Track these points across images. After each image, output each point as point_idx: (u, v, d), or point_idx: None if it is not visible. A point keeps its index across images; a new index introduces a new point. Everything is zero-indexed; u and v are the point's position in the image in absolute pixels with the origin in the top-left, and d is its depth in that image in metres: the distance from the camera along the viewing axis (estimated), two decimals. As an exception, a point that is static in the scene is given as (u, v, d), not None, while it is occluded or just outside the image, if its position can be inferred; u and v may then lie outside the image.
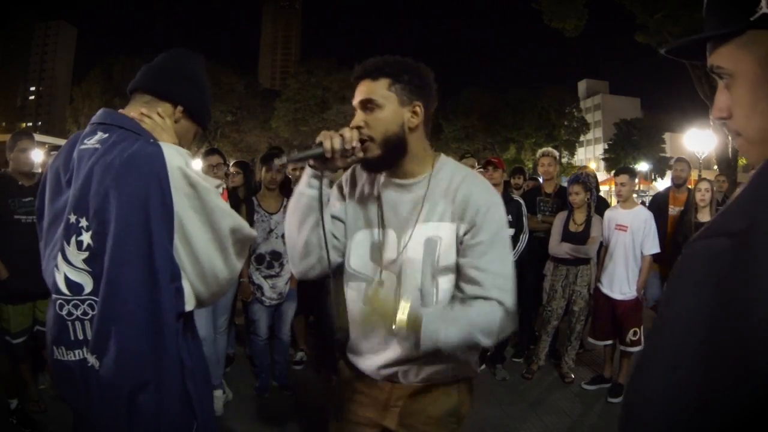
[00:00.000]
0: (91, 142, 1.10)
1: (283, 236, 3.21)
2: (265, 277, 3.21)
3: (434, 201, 1.20)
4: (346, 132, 1.15)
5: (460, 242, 1.19)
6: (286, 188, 3.39)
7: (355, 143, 1.15)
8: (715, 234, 0.47)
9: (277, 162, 3.18)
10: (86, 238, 1.05)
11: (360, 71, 1.20)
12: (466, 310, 1.15)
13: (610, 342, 3.65)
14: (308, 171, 1.20)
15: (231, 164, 4.21)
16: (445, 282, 1.20)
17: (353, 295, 1.29)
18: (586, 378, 3.76)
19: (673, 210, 4.20)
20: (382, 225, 1.25)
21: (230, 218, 1.13)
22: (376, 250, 1.25)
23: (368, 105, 1.17)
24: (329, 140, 1.13)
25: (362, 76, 1.20)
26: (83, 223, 1.05)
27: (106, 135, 1.11)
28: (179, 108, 1.26)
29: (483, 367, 3.90)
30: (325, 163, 1.16)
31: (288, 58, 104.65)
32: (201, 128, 1.36)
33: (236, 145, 37.18)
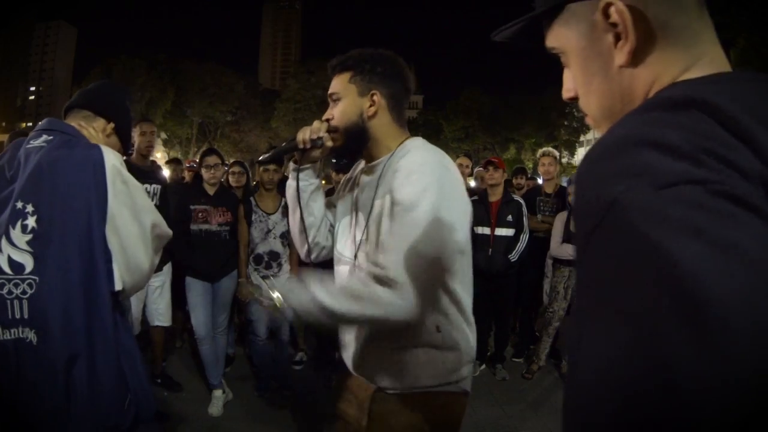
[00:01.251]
0: (37, 143, 1.26)
1: (281, 236, 3.22)
2: (263, 277, 3.19)
3: (385, 177, 1.21)
4: (315, 124, 1.26)
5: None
6: (284, 188, 3.37)
7: (322, 133, 1.25)
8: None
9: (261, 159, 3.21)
10: (31, 221, 1.16)
11: (329, 68, 1.29)
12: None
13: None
14: (291, 165, 1.33)
15: (230, 164, 4.21)
16: None
17: (339, 277, 1.32)
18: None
19: None
20: (356, 208, 1.31)
21: (152, 214, 1.29)
22: (352, 231, 1.31)
23: (333, 98, 1.27)
24: (301, 133, 1.26)
25: (331, 72, 1.29)
26: (29, 208, 1.17)
27: (51, 137, 1.27)
28: (111, 125, 1.46)
29: (483, 367, 3.91)
30: (303, 155, 1.29)
31: (288, 58, 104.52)
32: (123, 149, 1.53)
33: (236, 145, 37.21)
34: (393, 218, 1.09)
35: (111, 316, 1.19)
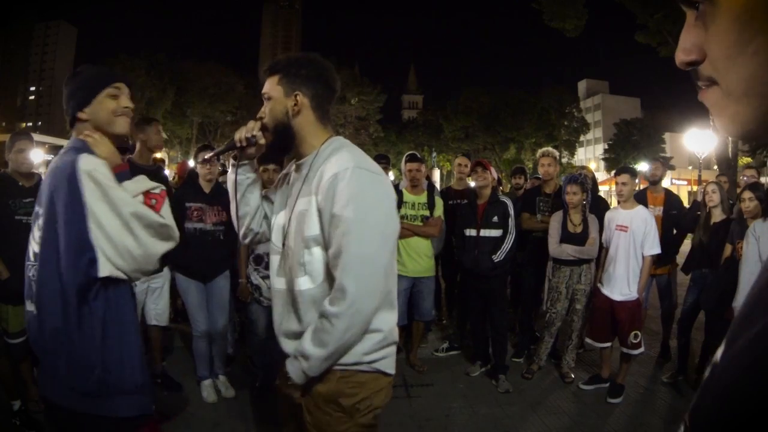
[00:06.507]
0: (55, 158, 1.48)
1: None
2: (263, 278, 3.20)
3: (311, 176, 1.35)
4: (250, 123, 1.39)
5: (319, 214, 1.30)
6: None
7: (256, 131, 1.37)
8: None
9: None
10: (40, 222, 1.45)
11: (262, 71, 1.41)
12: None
13: (608, 344, 3.64)
14: (232, 161, 1.47)
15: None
16: (310, 254, 1.32)
17: (272, 264, 1.48)
18: (585, 378, 3.76)
19: (653, 210, 4.19)
20: (286, 202, 1.45)
21: (131, 207, 1.42)
22: (282, 225, 1.44)
23: (265, 97, 1.40)
24: (238, 133, 1.38)
25: (264, 75, 1.40)
26: (40, 211, 1.46)
27: (62, 152, 1.47)
28: (82, 116, 1.50)
29: (484, 368, 3.90)
30: (241, 152, 1.42)
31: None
32: (109, 93, 1.52)
33: (236, 145, 37.20)
34: (335, 231, 1.24)
35: (95, 298, 1.38)
